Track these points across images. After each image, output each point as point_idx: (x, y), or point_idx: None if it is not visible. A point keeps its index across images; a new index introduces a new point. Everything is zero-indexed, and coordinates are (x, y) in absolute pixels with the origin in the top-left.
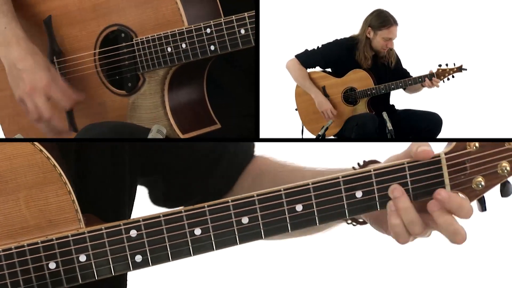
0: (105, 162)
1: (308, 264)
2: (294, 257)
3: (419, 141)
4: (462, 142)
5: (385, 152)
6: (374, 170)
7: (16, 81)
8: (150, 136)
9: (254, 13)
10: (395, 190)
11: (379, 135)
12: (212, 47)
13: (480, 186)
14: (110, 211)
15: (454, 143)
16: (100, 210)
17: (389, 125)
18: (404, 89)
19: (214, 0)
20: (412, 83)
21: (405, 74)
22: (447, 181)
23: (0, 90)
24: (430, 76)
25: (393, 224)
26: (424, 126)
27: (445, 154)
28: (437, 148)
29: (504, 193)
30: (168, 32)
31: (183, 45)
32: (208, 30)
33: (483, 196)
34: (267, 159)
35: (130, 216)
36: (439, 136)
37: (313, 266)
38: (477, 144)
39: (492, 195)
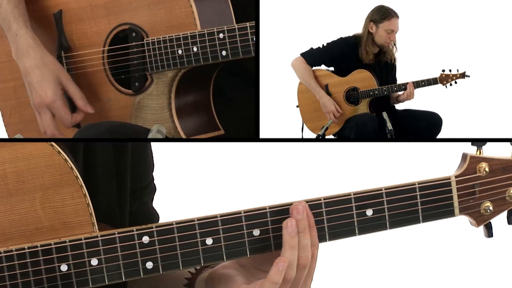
0: (109, 165)
1: None
2: None
3: (419, 141)
4: (459, 141)
5: (385, 152)
6: (385, 189)
7: (29, 91)
8: (150, 136)
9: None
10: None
11: (379, 135)
12: (224, 53)
13: (488, 211)
14: (113, 216)
15: (464, 166)
16: (103, 213)
17: (389, 125)
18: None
19: (227, 6)
20: (415, 86)
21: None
22: (456, 204)
23: (3, 82)
24: (434, 81)
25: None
26: (424, 126)
27: (456, 177)
28: (437, 148)
29: (511, 220)
30: (180, 35)
31: (195, 49)
32: (221, 35)
33: (490, 222)
34: None
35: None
36: (439, 136)
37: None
38: (487, 168)
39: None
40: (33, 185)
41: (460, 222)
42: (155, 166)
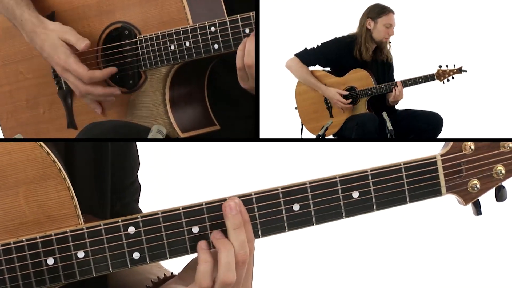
0: (88, 159)
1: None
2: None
3: (419, 141)
4: (460, 142)
5: (385, 152)
6: (370, 171)
7: (52, 65)
8: (150, 135)
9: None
10: (217, 233)
11: (379, 135)
12: (216, 46)
13: (475, 189)
14: (94, 212)
15: (450, 145)
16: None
17: (389, 125)
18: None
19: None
20: (412, 83)
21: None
22: (442, 183)
23: None
24: (431, 77)
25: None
26: (424, 126)
27: (441, 156)
28: (438, 149)
29: (499, 197)
30: (172, 30)
31: (187, 43)
32: (213, 29)
33: (478, 200)
34: None
35: None
36: (439, 136)
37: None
38: (472, 146)
39: (488, 199)
40: (15, 180)
41: (448, 201)
42: (151, 166)
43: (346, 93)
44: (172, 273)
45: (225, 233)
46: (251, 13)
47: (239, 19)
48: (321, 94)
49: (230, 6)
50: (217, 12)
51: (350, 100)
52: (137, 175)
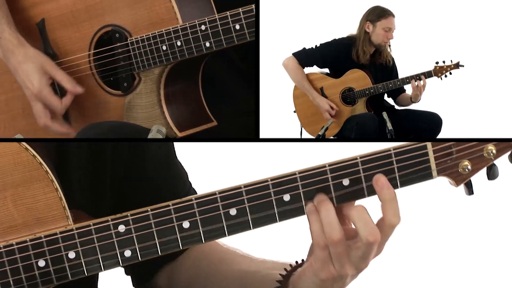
0: (83, 158)
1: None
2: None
3: (419, 141)
4: (461, 141)
5: None
6: (360, 158)
7: (22, 87)
8: (150, 136)
9: (248, 9)
10: (320, 195)
11: (379, 135)
12: (207, 44)
13: (466, 170)
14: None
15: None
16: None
17: (389, 125)
18: (395, 99)
19: None
20: (409, 81)
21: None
22: (433, 166)
23: None
24: (428, 74)
25: (311, 220)
26: (424, 126)
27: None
28: None
29: (490, 176)
30: (162, 31)
31: (178, 43)
32: (203, 27)
33: (470, 180)
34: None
35: None
36: (439, 136)
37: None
38: None
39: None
40: (3, 184)
41: (439, 183)
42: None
43: (336, 108)
44: (296, 261)
45: None
46: (240, 9)
47: (229, 16)
48: (312, 100)
49: (222, 2)
50: (206, 9)
51: (336, 112)
52: (189, 182)
